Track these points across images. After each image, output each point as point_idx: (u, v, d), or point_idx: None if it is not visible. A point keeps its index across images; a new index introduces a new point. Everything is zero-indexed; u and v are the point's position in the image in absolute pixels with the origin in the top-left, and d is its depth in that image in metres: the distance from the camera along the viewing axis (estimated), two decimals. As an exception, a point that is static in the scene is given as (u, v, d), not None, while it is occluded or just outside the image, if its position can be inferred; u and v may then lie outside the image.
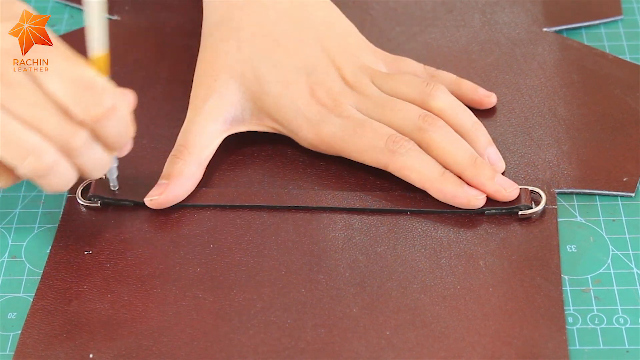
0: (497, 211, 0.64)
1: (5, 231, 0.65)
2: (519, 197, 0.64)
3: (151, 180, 0.65)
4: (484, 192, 0.64)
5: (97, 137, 0.58)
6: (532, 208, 0.64)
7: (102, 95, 0.57)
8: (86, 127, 0.57)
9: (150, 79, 0.74)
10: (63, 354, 0.58)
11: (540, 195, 0.64)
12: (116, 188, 0.65)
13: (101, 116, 0.57)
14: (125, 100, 0.59)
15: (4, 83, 0.56)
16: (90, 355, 0.58)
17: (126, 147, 0.61)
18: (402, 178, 0.65)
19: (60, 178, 0.58)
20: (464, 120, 0.66)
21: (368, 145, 0.65)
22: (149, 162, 0.67)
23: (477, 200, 0.63)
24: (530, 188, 0.64)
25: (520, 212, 0.64)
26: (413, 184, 0.64)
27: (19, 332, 0.59)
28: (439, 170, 0.64)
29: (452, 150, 0.64)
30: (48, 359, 0.58)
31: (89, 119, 0.57)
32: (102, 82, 0.58)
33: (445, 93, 0.67)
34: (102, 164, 0.60)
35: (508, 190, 0.64)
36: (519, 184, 0.65)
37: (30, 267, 0.63)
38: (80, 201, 0.65)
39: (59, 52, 0.58)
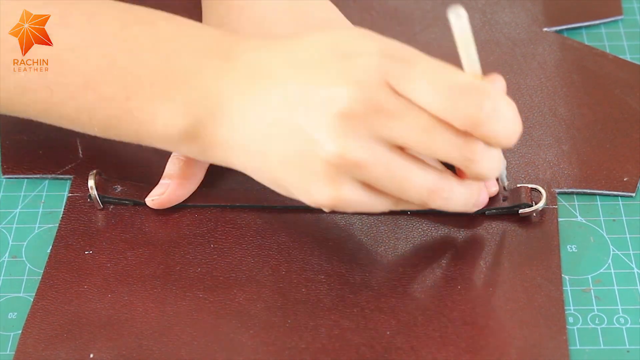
0: (497, 211, 0.64)
1: (5, 231, 0.65)
2: (518, 195, 0.64)
3: (152, 180, 0.65)
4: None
5: (485, 138, 0.55)
6: (532, 206, 0.64)
7: (480, 96, 0.54)
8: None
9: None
10: (63, 354, 0.58)
11: (540, 192, 0.64)
12: (506, 191, 0.63)
13: (486, 117, 0.54)
14: (499, 88, 0.55)
15: (387, 115, 0.54)
16: (91, 355, 0.58)
17: (516, 137, 0.56)
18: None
19: (460, 197, 0.57)
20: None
21: None
22: (150, 162, 0.67)
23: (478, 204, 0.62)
24: (530, 186, 0.64)
25: (520, 211, 0.63)
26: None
27: (20, 332, 0.59)
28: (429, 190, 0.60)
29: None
30: (48, 358, 0.58)
31: (470, 126, 0.54)
32: (474, 81, 0.54)
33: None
34: (497, 163, 0.57)
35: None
36: (519, 184, 0.65)
37: (30, 267, 0.63)
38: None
39: (422, 57, 0.55)
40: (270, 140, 0.56)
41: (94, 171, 0.65)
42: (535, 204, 0.64)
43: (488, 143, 0.55)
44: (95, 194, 0.65)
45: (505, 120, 0.55)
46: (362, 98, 0.54)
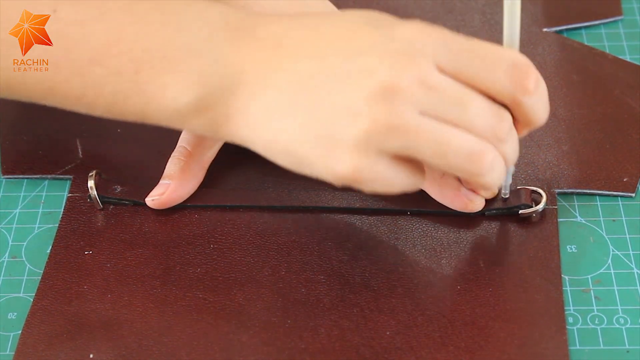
0: (497, 212, 0.64)
1: (5, 231, 0.65)
2: (519, 196, 0.64)
3: (152, 180, 0.65)
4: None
5: (525, 112, 0.55)
6: (532, 207, 0.64)
7: (526, 69, 0.54)
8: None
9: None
10: (63, 354, 0.58)
11: (540, 194, 0.64)
12: (507, 195, 0.63)
13: (534, 88, 0.54)
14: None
15: (426, 87, 0.53)
16: (91, 356, 0.58)
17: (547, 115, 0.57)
18: None
19: (498, 171, 0.56)
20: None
21: None
22: (150, 163, 0.67)
23: (474, 205, 0.63)
24: (531, 188, 0.64)
25: (520, 212, 0.64)
26: None
27: (19, 332, 0.59)
28: (440, 172, 0.63)
29: None
30: (48, 359, 0.58)
31: (521, 94, 0.54)
32: (518, 55, 0.55)
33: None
34: (516, 150, 0.57)
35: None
36: (519, 184, 0.65)
37: (30, 267, 0.63)
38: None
39: (460, 36, 0.54)
40: (293, 111, 0.54)
41: (94, 172, 0.65)
42: (536, 205, 0.64)
43: (526, 120, 0.56)
44: (95, 194, 0.65)
45: (544, 96, 0.56)
46: (404, 71, 0.52)
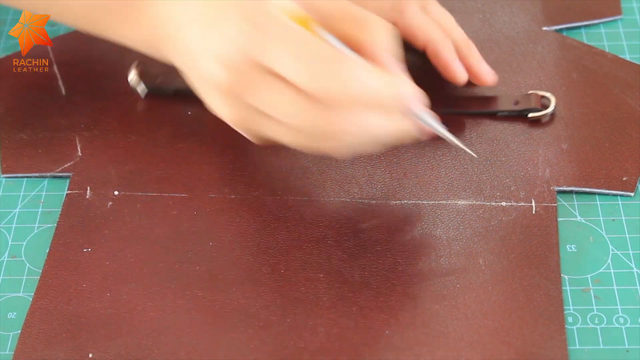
0: (508, 113, 0.68)
1: (5, 231, 0.65)
2: (529, 100, 0.68)
3: (149, 176, 0.66)
4: (471, 71, 0.69)
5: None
6: (541, 110, 0.68)
7: (338, 66, 0.57)
8: None
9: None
10: (62, 354, 0.58)
11: (549, 99, 0.68)
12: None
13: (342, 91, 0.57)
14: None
15: (252, 91, 0.58)
16: (90, 355, 0.58)
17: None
18: (408, 38, 0.68)
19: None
20: (458, 36, 0.70)
21: (375, 7, 0.65)
22: (149, 159, 0.67)
23: (462, 76, 0.68)
24: (541, 93, 0.68)
25: (530, 114, 0.68)
26: (415, 43, 0.69)
27: (19, 331, 0.59)
28: (442, 34, 0.69)
29: (451, 28, 0.70)
30: (48, 358, 0.58)
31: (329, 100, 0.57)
32: (333, 52, 0.58)
33: (439, 6, 0.69)
34: (364, 130, 0.60)
35: (492, 75, 0.69)
36: (519, 182, 0.65)
37: (30, 266, 0.63)
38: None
39: (284, 26, 0.58)
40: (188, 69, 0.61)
41: (136, 62, 0.69)
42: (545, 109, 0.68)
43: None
44: (138, 82, 0.69)
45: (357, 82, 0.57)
46: (227, 75, 0.57)
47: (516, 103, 0.69)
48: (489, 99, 0.70)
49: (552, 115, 0.69)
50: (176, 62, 0.62)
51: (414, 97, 0.58)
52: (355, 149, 0.59)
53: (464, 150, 0.63)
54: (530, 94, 0.69)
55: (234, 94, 0.58)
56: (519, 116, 0.69)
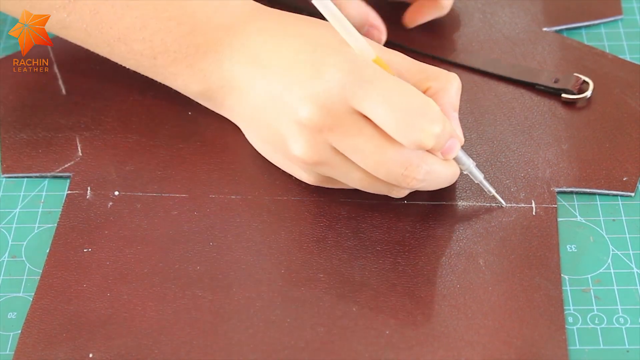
0: (545, 88, 0.70)
1: (5, 231, 0.65)
2: (568, 80, 0.70)
3: (151, 176, 0.66)
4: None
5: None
6: (576, 94, 0.70)
7: (429, 120, 0.59)
8: None
9: (151, 78, 0.74)
10: (62, 354, 0.58)
11: (588, 85, 0.70)
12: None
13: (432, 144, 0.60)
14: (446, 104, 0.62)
15: (341, 132, 0.60)
16: (90, 355, 0.58)
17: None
18: None
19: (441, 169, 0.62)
20: None
21: None
22: (149, 160, 0.67)
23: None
24: (583, 78, 0.70)
25: (563, 95, 0.69)
26: None
27: (19, 331, 0.59)
28: None
29: None
30: (48, 358, 0.58)
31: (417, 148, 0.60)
32: (425, 103, 0.59)
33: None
34: (440, 178, 0.63)
35: None
36: (519, 183, 0.65)
37: (30, 266, 0.63)
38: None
39: (383, 77, 0.60)
40: (260, 119, 0.63)
41: None
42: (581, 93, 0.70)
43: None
44: None
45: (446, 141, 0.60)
46: (320, 114, 0.59)
47: (556, 81, 0.70)
48: (532, 71, 0.72)
49: (589, 100, 0.70)
50: (237, 110, 0.65)
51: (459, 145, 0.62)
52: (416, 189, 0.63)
53: (495, 197, 0.64)
54: (572, 75, 0.70)
55: (321, 133, 0.60)
56: (555, 94, 0.70)
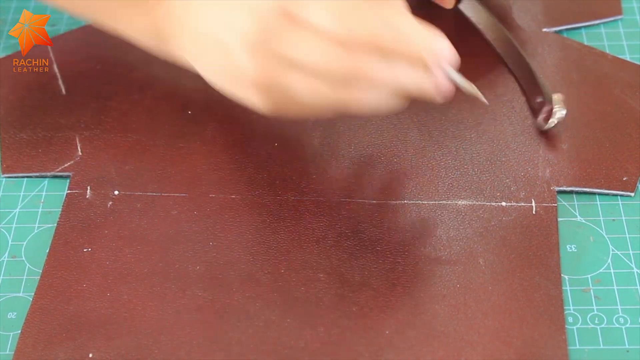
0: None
1: (5, 231, 0.65)
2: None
3: (151, 176, 0.66)
4: None
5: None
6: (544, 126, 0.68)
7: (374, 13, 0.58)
8: None
9: (151, 78, 0.74)
10: (62, 354, 0.58)
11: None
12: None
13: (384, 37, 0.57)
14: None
15: (283, 44, 0.58)
16: (90, 355, 0.58)
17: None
18: None
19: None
20: None
21: None
22: (149, 159, 0.67)
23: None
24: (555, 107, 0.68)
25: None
26: None
27: (19, 331, 0.59)
28: None
29: None
30: (48, 358, 0.58)
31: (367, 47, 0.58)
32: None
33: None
34: (402, 77, 0.59)
35: None
36: (519, 182, 0.65)
37: (30, 266, 0.63)
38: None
39: None
40: (207, 47, 0.61)
41: None
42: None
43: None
44: None
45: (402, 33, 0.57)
46: (260, 26, 0.58)
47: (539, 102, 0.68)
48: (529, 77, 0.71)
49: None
50: (183, 40, 0.62)
51: (448, 54, 0.58)
52: (377, 102, 0.59)
53: (480, 99, 0.61)
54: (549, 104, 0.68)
55: (262, 44, 0.58)
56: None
